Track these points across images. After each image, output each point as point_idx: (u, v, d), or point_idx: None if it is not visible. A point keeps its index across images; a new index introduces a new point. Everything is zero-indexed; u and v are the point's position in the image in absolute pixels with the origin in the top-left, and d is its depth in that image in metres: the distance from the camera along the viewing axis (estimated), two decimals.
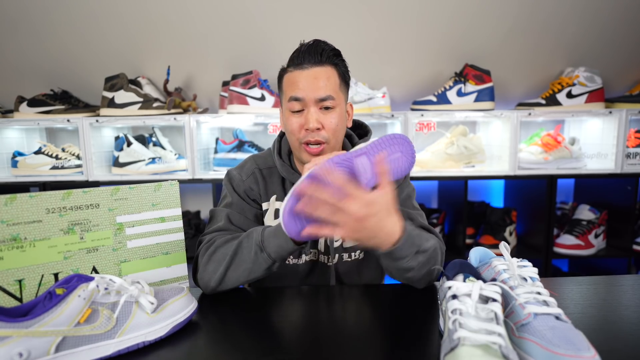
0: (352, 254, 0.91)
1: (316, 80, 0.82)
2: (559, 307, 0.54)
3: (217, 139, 1.76)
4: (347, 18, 1.86)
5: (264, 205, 0.91)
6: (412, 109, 1.77)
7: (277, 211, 0.90)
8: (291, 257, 0.91)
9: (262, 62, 1.83)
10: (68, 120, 1.67)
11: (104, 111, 1.68)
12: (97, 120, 1.67)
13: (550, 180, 1.70)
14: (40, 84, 1.90)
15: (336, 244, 0.91)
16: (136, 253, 0.73)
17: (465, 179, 1.71)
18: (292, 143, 0.88)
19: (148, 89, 1.75)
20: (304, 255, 0.91)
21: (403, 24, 1.88)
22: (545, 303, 0.53)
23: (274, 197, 0.91)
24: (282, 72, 0.88)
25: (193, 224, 1.86)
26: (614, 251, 1.79)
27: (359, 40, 1.89)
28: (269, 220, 0.90)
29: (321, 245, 0.92)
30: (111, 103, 1.67)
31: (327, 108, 0.83)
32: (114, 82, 1.68)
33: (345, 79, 0.88)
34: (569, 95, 1.75)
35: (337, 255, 0.91)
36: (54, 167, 1.70)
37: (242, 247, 0.75)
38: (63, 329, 0.53)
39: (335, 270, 0.91)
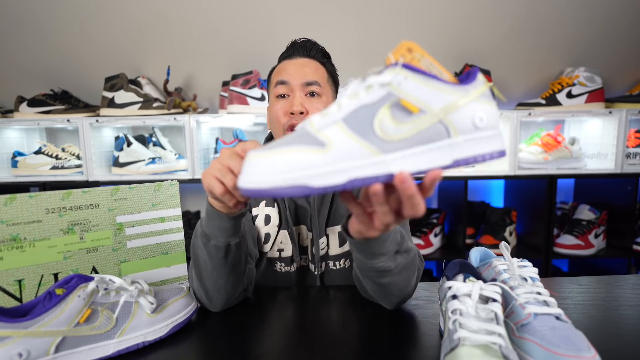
0: (337, 262, 0.89)
1: (304, 67, 0.84)
2: (559, 307, 0.54)
3: (217, 139, 1.76)
4: (346, 18, 1.86)
5: (254, 211, 0.88)
6: None
7: (267, 217, 0.88)
8: (283, 264, 0.88)
9: (262, 62, 1.82)
10: (68, 120, 1.67)
11: (104, 111, 1.68)
12: (97, 120, 1.66)
13: (550, 180, 1.70)
14: (40, 84, 1.90)
15: (322, 252, 0.88)
16: (136, 253, 0.73)
17: (465, 179, 1.70)
18: (276, 132, 0.86)
19: (148, 89, 1.75)
20: (295, 263, 0.88)
21: (403, 23, 1.88)
22: (546, 303, 0.53)
23: (263, 203, 0.88)
24: (272, 70, 0.91)
25: (193, 224, 1.86)
26: (614, 251, 1.79)
27: (358, 40, 1.89)
28: (260, 225, 0.87)
29: (310, 253, 0.89)
30: (111, 103, 1.67)
31: (312, 94, 0.83)
32: (114, 82, 1.68)
33: (333, 77, 0.90)
34: (569, 95, 1.75)
35: (323, 264, 0.88)
36: (54, 167, 1.70)
37: (195, 247, 0.67)
38: (63, 329, 0.53)
39: (320, 278, 0.88)
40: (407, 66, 0.39)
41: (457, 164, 0.40)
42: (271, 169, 0.38)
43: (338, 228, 0.88)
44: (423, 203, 0.41)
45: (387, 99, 0.39)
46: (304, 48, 0.86)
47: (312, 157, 0.38)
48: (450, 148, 0.40)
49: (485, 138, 0.41)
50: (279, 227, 0.88)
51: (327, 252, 0.88)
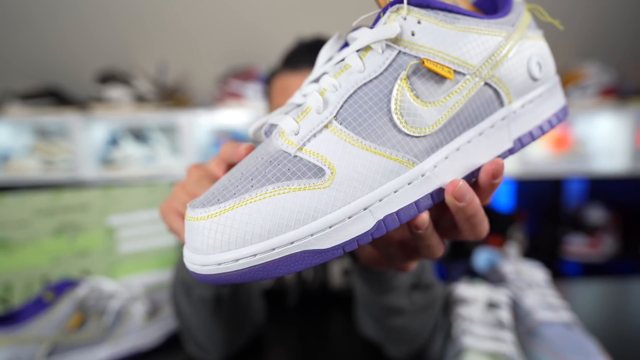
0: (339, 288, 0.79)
1: None
2: (569, 312, 0.53)
3: (213, 136, 1.74)
4: (351, 9, 1.84)
5: None
6: None
7: None
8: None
9: (260, 58, 1.81)
10: (58, 118, 1.64)
11: (96, 108, 1.65)
12: (88, 118, 1.64)
13: (559, 181, 1.66)
14: (30, 81, 1.87)
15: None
16: (129, 256, 0.71)
17: None
18: None
19: (142, 85, 1.72)
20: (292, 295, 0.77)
21: None
22: (555, 308, 0.52)
23: None
24: (272, 76, 0.71)
25: None
26: (625, 254, 1.76)
27: None
28: None
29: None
30: (104, 100, 1.65)
31: None
32: (106, 78, 1.65)
33: None
34: (579, 90, 1.66)
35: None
36: (43, 167, 1.67)
37: (175, 296, 0.53)
38: (52, 335, 0.51)
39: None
40: (414, 1, 0.25)
41: (520, 144, 0.27)
42: (237, 237, 0.22)
43: (340, 265, 0.77)
44: (486, 219, 0.28)
45: (400, 64, 0.24)
46: (314, 55, 0.65)
47: (309, 199, 0.23)
48: (506, 122, 0.26)
49: (546, 93, 0.28)
50: None
51: (327, 285, 0.79)
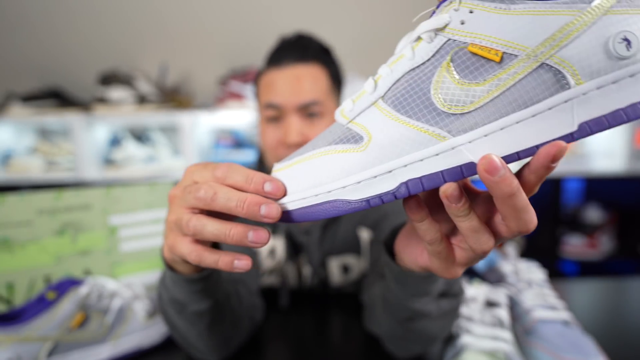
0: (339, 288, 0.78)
1: (298, 81, 0.66)
2: (567, 311, 0.53)
3: (214, 137, 1.74)
4: (352, 7, 1.83)
5: None
6: None
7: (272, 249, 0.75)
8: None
9: (261, 59, 1.79)
10: (61, 118, 1.64)
11: (97, 109, 1.65)
12: (90, 118, 1.64)
13: (557, 180, 1.66)
14: (32, 81, 1.87)
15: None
16: (130, 255, 0.71)
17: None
18: (270, 162, 0.72)
19: (143, 86, 1.72)
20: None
21: (412, 14, 1.85)
22: (553, 307, 0.52)
23: None
24: (258, 76, 0.73)
25: None
26: (623, 253, 1.76)
27: (364, 31, 1.85)
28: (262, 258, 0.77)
29: (307, 279, 0.76)
30: (105, 100, 1.65)
31: (311, 115, 0.67)
32: (108, 79, 1.65)
33: (336, 81, 0.72)
34: None
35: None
36: (45, 167, 1.67)
37: (167, 314, 0.49)
38: (54, 334, 0.51)
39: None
40: None
41: (588, 129, 0.25)
42: (296, 184, 0.29)
43: (338, 261, 0.75)
44: (532, 209, 0.27)
45: (447, 51, 0.26)
46: (296, 50, 0.68)
47: (346, 159, 0.28)
48: (569, 105, 0.25)
49: None
50: (283, 259, 0.75)
51: (326, 283, 0.77)
